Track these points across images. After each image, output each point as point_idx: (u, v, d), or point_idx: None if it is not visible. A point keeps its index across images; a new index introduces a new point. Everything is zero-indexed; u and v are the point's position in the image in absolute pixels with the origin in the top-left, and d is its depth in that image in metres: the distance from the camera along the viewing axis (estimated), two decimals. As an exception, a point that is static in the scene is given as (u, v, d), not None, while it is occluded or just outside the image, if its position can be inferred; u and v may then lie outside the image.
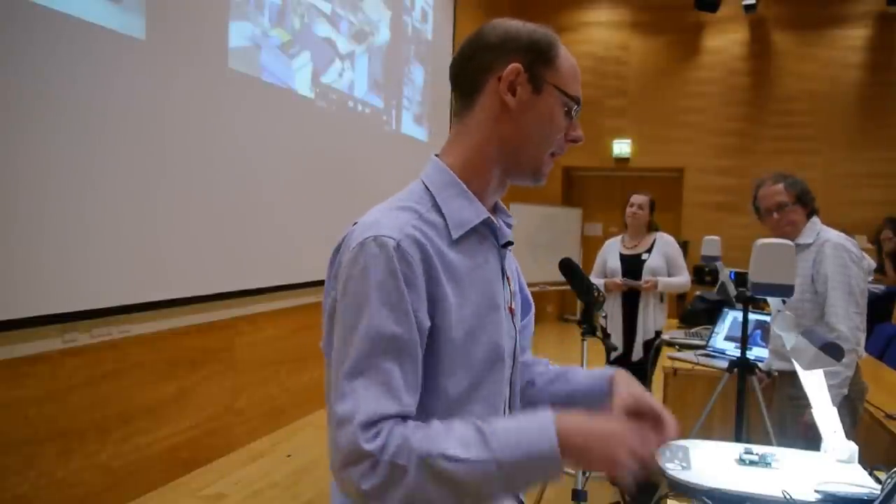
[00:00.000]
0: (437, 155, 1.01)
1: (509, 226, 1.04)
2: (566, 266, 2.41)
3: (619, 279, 3.64)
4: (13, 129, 2.44)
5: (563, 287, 2.86)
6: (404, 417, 0.81)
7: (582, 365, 2.56)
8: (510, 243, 1.03)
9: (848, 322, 2.21)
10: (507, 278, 1.02)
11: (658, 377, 3.29)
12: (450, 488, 0.78)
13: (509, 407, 1.02)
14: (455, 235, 0.92)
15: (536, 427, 0.80)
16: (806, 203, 2.40)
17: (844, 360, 1.83)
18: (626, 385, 0.98)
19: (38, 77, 2.52)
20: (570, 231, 8.38)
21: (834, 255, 2.27)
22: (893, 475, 1.19)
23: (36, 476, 2.60)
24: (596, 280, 3.63)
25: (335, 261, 0.93)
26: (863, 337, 2.28)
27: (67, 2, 2.62)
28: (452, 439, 0.79)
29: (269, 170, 3.90)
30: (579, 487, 2.46)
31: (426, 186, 0.96)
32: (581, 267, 2.28)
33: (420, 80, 5.99)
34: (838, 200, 7.40)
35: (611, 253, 3.80)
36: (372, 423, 0.78)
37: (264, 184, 3.86)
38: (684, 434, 2.44)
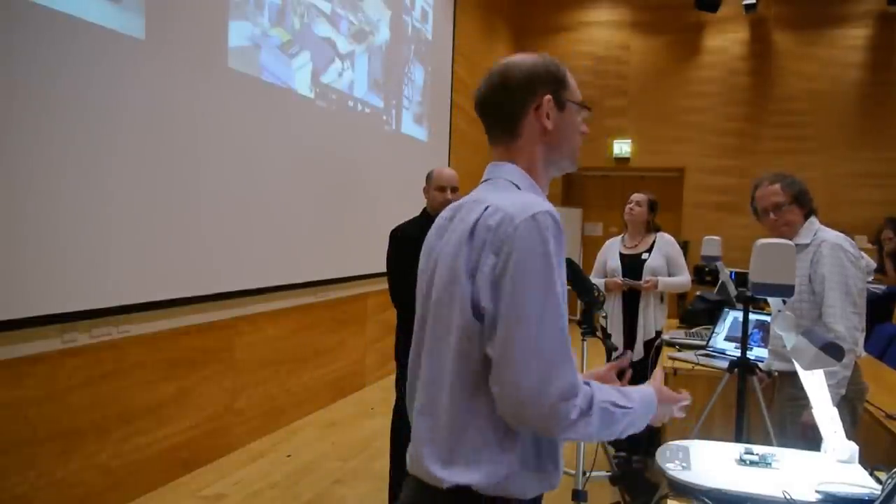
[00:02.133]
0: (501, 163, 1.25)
1: None
2: (566, 266, 2.41)
3: (619, 279, 3.64)
4: (13, 129, 2.44)
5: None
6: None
7: (582, 365, 2.56)
8: None
9: (845, 322, 2.21)
10: None
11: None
12: (608, 426, 1.07)
13: None
14: None
15: (647, 391, 1.17)
16: (803, 203, 2.40)
17: (843, 360, 1.83)
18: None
19: (37, 77, 2.52)
20: (570, 231, 8.38)
21: (831, 255, 2.27)
22: (894, 475, 1.19)
23: (36, 476, 2.60)
24: (596, 280, 3.63)
25: (491, 239, 1.07)
26: (861, 337, 2.28)
27: (67, 2, 2.62)
28: (615, 394, 1.09)
29: (269, 170, 3.90)
30: (579, 487, 2.46)
31: (517, 185, 1.18)
32: (581, 267, 2.28)
33: (420, 79, 5.98)
34: (838, 200, 7.40)
35: (611, 252, 3.79)
36: (574, 393, 1.02)
37: (264, 183, 3.86)
38: (684, 434, 2.44)
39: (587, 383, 1.06)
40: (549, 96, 1.19)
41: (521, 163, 1.21)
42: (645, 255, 3.66)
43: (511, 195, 1.13)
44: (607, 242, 3.92)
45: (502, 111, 1.21)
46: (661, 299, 3.67)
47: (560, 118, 1.21)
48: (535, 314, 1.01)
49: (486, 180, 1.23)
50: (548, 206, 1.09)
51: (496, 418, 1.05)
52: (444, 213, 1.23)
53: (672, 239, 3.76)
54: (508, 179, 1.19)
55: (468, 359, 1.06)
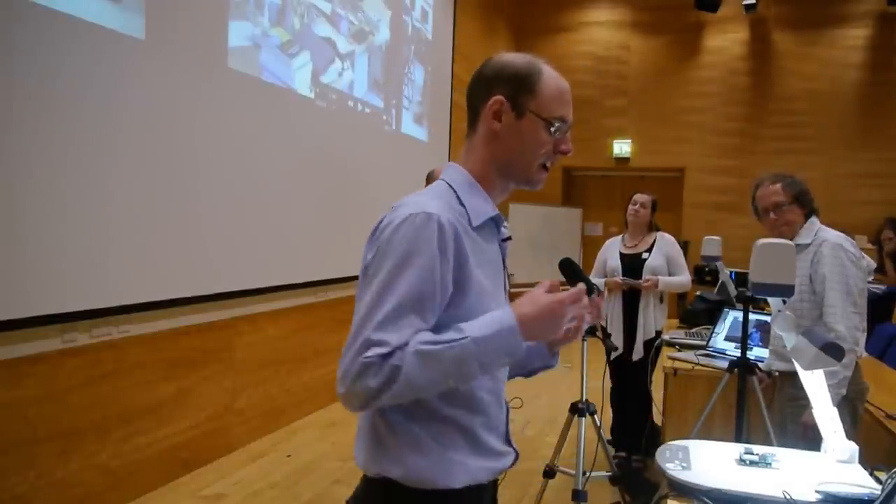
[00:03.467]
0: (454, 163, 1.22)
1: (505, 227, 1.25)
2: (566, 266, 2.40)
3: (619, 278, 3.64)
4: (13, 129, 2.44)
5: (563, 287, 2.86)
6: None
7: (582, 365, 2.56)
8: (509, 238, 1.25)
9: (846, 322, 2.21)
10: (506, 269, 1.22)
11: (658, 377, 3.29)
12: (435, 368, 0.97)
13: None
14: (475, 223, 1.12)
15: (499, 312, 1.03)
16: (804, 203, 2.40)
17: (843, 360, 1.83)
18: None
19: (36, 77, 2.52)
20: (570, 231, 8.37)
21: (831, 254, 2.27)
22: (894, 475, 1.19)
23: (36, 476, 2.60)
24: (596, 279, 3.63)
25: (374, 238, 1.08)
26: (862, 337, 2.28)
27: (67, 1, 2.62)
28: (437, 335, 1.00)
29: (269, 170, 3.90)
30: (579, 487, 2.46)
31: (449, 185, 1.15)
32: (581, 267, 2.28)
33: (420, 79, 5.98)
34: (838, 200, 7.40)
35: (611, 252, 3.79)
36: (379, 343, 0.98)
37: (264, 183, 3.86)
38: (684, 434, 2.44)
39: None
40: (500, 97, 1.12)
41: (469, 163, 1.17)
42: (645, 255, 3.66)
43: (416, 198, 1.10)
44: (607, 242, 3.92)
45: (470, 103, 1.19)
46: (661, 299, 3.67)
47: (515, 125, 1.13)
48: (365, 304, 1.02)
49: (429, 178, 1.25)
50: (433, 208, 1.05)
51: (401, 409, 1.07)
52: None
53: (672, 239, 3.76)
54: (446, 181, 1.16)
55: None
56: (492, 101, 1.13)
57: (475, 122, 1.17)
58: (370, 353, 0.96)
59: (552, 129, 1.13)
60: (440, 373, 0.98)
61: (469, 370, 0.99)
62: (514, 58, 1.16)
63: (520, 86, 1.12)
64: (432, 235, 1.02)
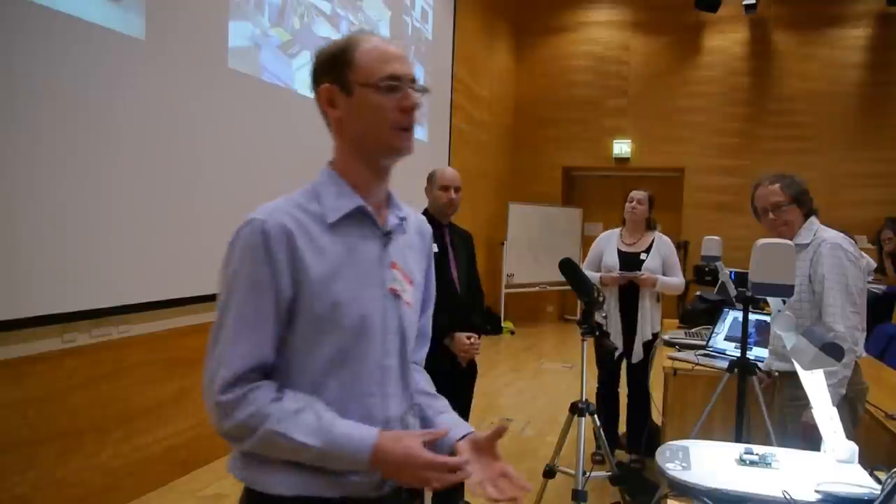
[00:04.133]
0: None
1: (401, 219, 1.18)
2: (566, 266, 2.41)
3: (616, 273, 3.61)
4: (13, 129, 2.44)
5: (564, 287, 2.85)
6: (260, 374, 1.05)
7: (582, 365, 2.56)
8: (390, 233, 1.15)
9: (845, 322, 2.21)
10: (394, 264, 1.14)
11: (658, 377, 3.29)
12: (275, 450, 1.02)
13: (402, 376, 1.16)
14: (331, 220, 1.08)
15: (363, 434, 1.02)
16: (803, 203, 2.40)
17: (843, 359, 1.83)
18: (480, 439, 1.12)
19: (37, 77, 2.52)
20: (570, 231, 8.38)
21: (830, 254, 2.27)
22: (894, 475, 1.19)
23: (36, 476, 2.60)
24: (588, 272, 3.60)
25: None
26: (861, 336, 2.27)
27: (67, 1, 2.62)
28: (296, 424, 1.01)
29: (269, 169, 3.90)
30: (579, 487, 2.46)
31: (313, 185, 1.14)
32: (581, 267, 2.28)
33: (420, 79, 5.97)
34: (838, 200, 7.41)
35: (608, 247, 3.74)
36: (232, 383, 1.06)
37: (264, 183, 3.85)
38: (684, 434, 2.44)
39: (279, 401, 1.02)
40: (326, 85, 1.10)
41: (333, 160, 1.15)
42: (643, 256, 3.65)
43: (267, 204, 1.12)
44: (603, 234, 3.85)
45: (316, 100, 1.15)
46: (657, 299, 3.67)
47: (349, 103, 1.09)
48: (212, 331, 1.09)
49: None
50: (268, 211, 1.07)
51: None
52: None
53: (669, 241, 3.75)
54: (312, 182, 1.15)
55: None
56: (321, 93, 1.11)
57: (326, 122, 1.14)
58: (227, 395, 1.05)
59: (384, 90, 1.07)
60: (287, 452, 1.03)
61: (304, 461, 1.03)
62: (330, 44, 1.14)
63: (337, 64, 1.09)
64: (258, 243, 1.03)
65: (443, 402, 1.25)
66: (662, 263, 3.62)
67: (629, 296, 3.62)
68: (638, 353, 3.58)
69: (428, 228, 1.28)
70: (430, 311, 1.30)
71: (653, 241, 3.69)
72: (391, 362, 1.13)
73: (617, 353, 3.37)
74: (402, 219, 1.18)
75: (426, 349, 1.31)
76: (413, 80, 1.12)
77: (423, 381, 1.27)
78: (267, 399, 1.02)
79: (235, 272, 1.04)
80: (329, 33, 4.47)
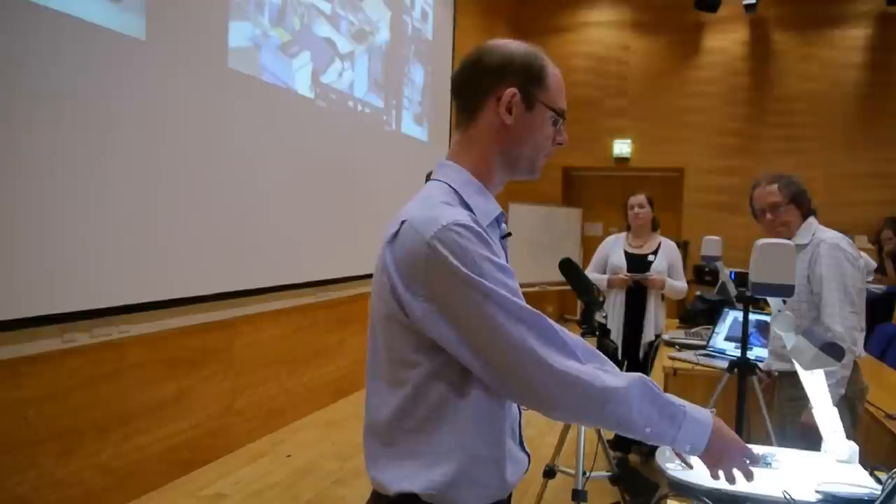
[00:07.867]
0: (447, 159, 1.15)
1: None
2: (566, 266, 2.40)
3: (624, 274, 3.61)
4: (12, 129, 2.44)
5: (564, 287, 2.84)
6: None
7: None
8: (510, 234, 1.19)
9: (844, 322, 2.21)
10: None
11: (658, 377, 3.29)
12: (650, 407, 1.07)
13: None
14: (483, 224, 1.05)
15: (704, 410, 1.11)
16: (801, 203, 2.40)
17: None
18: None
19: (37, 77, 2.52)
20: (570, 231, 8.37)
21: (829, 254, 2.27)
22: (894, 475, 1.19)
23: (36, 476, 2.60)
24: (593, 275, 3.60)
25: (410, 265, 1.00)
26: (860, 336, 2.28)
27: (67, 2, 2.62)
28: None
29: (269, 170, 3.90)
30: (579, 487, 2.46)
31: (450, 186, 1.09)
32: (581, 267, 2.28)
33: (420, 79, 5.98)
34: (838, 200, 7.40)
35: (614, 250, 3.75)
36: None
37: (264, 184, 3.86)
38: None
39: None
40: (513, 89, 1.08)
41: (471, 156, 1.11)
42: (651, 258, 3.65)
43: (421, 206, 1.05)
44: (608, 238, 3.88)
45: (466, 94, 1.12)
46: (662, 298, 3.68)
47: (526, 118, 1.10)
48: (481, 333, 1.00)
49: (429, 179, 1.15)
50: (456, 215, 1.00)
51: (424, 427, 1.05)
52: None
53: (674, 245, 3.76)
54: (446, 182, 1.10)
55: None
56: (506, 94, 1.08)
57: (474, 115, 1.11)
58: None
59: (557, 121, 1.13)
60: (649, 414, 1.05)
61: (661, 429, 1.06)
62: (516, 47, 1.11)
63: (530, 77, 1.09)
64: (482, 236, 1.00)
65: None
66: (669, 267, 3.63)
67: (635, 298, 3.62)
68: (643, 353, 3.59)
69: None
70: None
71: (659, 244, 3.70)
72: None
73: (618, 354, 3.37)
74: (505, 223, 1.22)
75: None
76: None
77: None
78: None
79: (480, 270, 0.98)
80: (329, 34, 4.47)
